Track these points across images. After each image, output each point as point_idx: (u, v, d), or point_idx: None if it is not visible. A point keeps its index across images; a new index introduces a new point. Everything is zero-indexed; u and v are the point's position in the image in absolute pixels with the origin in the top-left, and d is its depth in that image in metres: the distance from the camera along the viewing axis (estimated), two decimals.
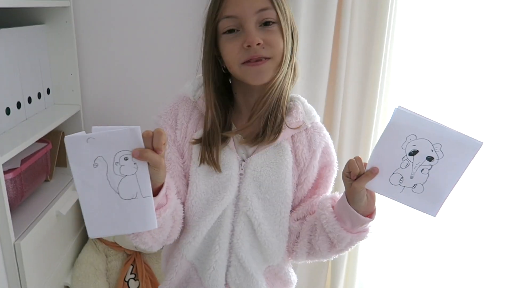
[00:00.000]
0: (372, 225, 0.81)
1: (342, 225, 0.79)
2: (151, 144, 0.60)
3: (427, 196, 0.74)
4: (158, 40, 1.61)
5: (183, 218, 0.85)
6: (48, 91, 1.56)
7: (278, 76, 0.76)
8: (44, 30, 1.51)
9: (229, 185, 0.81)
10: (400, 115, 0.70)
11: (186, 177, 0.83)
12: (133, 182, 0.60)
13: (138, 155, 0.59)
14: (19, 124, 1.35)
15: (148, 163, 0.60)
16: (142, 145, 0.59)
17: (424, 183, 0.73)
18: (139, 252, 1.61)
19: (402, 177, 0.73)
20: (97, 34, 1.61)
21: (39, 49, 1.48)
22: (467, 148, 0.70)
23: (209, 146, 0.78)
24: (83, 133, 0.59)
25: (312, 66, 1.51)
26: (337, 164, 0.89)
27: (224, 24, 0.75)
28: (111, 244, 1.60)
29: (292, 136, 0.84)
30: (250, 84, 0.77)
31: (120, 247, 1.59)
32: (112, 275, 1.61)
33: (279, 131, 0.80)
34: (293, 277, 0.95)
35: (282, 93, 0.78)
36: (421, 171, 0.72)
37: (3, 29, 1.25)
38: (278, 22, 0.74)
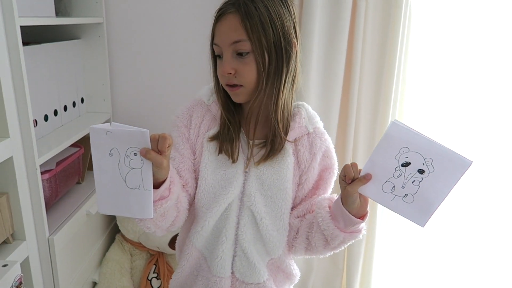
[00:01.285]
0: (365, 227, 0.87)
1: (336, 224, 0.84)
2: (156, 146, 0.69)
3: (417, 206, 0.77)
4: (182, 54, 1.72)
5: (193, 209, 0.93)
6: (82, 100, 1.69)
7: (256, 98, 0.84)
8: (80, 45, 1.65)
9: (235, 181, 0.88)
10: (395, 128, 0.73)
11: (196, 172, 0.92)
12: (138, 175, 0.71)
13: (144, 154, 0.68)
14: (55, 130, 1.48)
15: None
16: (149, 145, 0.69)
17: (414, 194, 0.76)
18: (162, 253, 1.70)
19: (394, 186, 0.77)
20: (127, 48, 1.74)
21: (74, 62, 1.61)
22: (457, 165, 0.72)
23: (226, 141, 0.88)
24: (106, 125, 0.69)
25: (326, 72, 1.57)
26: (338, 167, 0.94)
27: (214, 49, 0.84)
28: (136, 244, 1.70)
29: (295, 139, 0.90)
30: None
31: (144, 247, 1.69)
32: (136, 273, 1.71)
33: (280, 148, 0.88)
34: (295, 270, 1.00)
35: (276, 105, 0.85)
36: (412, 182, 0.75)
37: (43, 44, 1.39)
38: (252, 51, 0.80)
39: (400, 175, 0.76)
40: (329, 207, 0.87)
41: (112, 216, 1.75)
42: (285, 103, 0.86)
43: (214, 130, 0.90)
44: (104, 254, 1.69)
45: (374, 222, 1.70)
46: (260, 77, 0.82)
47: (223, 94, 0.88)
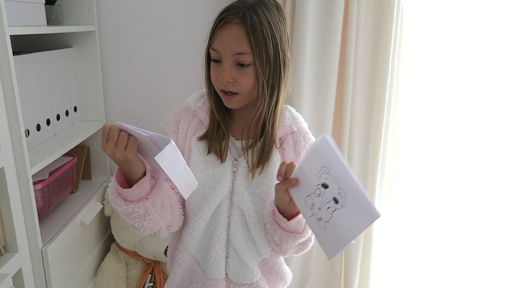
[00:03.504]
0: (312, 237, 0.89)
1: (273, 217, 0.86)
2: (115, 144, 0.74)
3: (327, 236, 0.72)
4: (176, 62, 1.71)
5: (184, 212, 0.94)
6: (75, 109, 1.68)
7: (252, 107, 0.87)
8: (72, 53, 1.64)
9: (223, 181, 0.90)
10: (323, 143, 0.70)
11: None
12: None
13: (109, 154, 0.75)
14: (48, 139, 1.46)
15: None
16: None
17: (327, 221, 0.72)
18: (158, 261, 1.69)
19: (314, 204, 0.73)
20: (120, 56, 1.73)
21: (67, 70, 1.60)
22: (364, 213, 0.67)
23: (215, 140, 0.91)
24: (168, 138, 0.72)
25: (319, 76, 1.57)
26: None
27: (212, 53, 0.85)
28: (131, 253, 1.68)
29: (280, 138, 0.93)
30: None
31: (140, 256, 1.67)
32: (132, 282, 1.69)
33: (268, 157, 0.90)
34: (288, 273, 1.02)
35: (274, 114, 0.89)
36: (327, 208, 0.71)
37: (35, 53, 1.38)
38: (254, 64, 0.82)
39: (319, 194, 0.72)
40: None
41: (107, 226, 1.73)
42: (281, 110, 0.91)
43: (201, 133, 0.93)
44: (99, 264, 1.67)
45: (371, 226, 1.69)
46: (258, 87, 0.85)
47: (215, 96, 0.90)
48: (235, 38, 0.81)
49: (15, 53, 1.13)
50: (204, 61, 0.90)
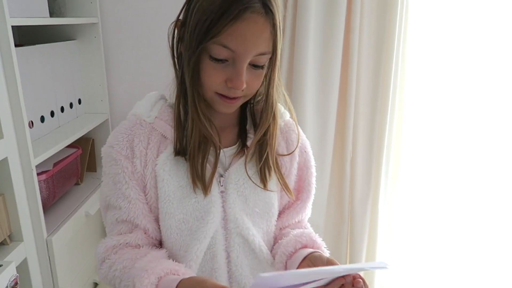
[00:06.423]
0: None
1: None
2: None
3: None
4: None
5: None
6: (80, 101, 1.69)
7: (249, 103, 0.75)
8: (75, 46, 1.64)
9: (212, 207, 0.71)
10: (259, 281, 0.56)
11: (153, 211, 0.73)
12: None
13: None
14: (52, 131, 1.48)
15: None
16: None
17: None
18: None
19: None
20: (124, 48, 1.73)
21: (70, 63, 1.61)
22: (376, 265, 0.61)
23: (199, 161, 0.70)
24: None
25: (322, 75, 1.56)
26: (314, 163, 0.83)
27: (216, 50, 0.63)
28: None
29: None
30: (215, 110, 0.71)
31: None
32: None
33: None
34: None
35: (274, 114, 0.74)
36: None
37: (38, 45, 1.39)
38: (265, 65, 0.67)
39: None
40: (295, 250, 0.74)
41: None
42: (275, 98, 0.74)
43: (168, 151, 0.71)
44: None
45: (376, 222, 1.69)
46: (264, 86, 0.71)
47: (200, 102, 0.69)
48: (262, 34, 0.63)
49: (19, 45, 1.14)
50: (192, 58, 0.66)
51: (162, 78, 1.85)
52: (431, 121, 1.65)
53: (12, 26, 1.10)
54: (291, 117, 0.80)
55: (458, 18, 1.53)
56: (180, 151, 0.71)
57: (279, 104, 0.76)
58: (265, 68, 0.68)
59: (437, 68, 1.60)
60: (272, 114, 0.72)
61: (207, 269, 0.73)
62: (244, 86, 0.65)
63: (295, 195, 0.80)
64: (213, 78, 0.66)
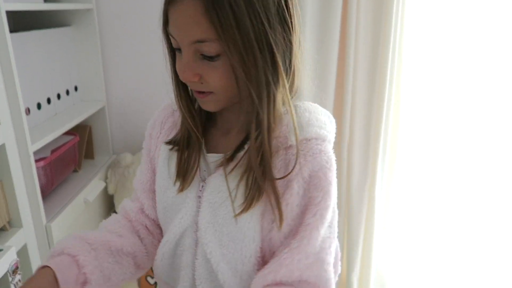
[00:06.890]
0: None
1: None
2: None
3: None
4: None
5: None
6: (76, 88, 1.68)
7: (238, 107, 0.64)
8: (70, 32, 1.63)
9: (183, 208, 0.68)
10: None
11: (153, 191, 0.77)
12: None
13: None
14: (49, 118, 1.47)
15: None
16: None
17: None
18: None
19: None
20: (120, 34, 1.72)
21: (66, 49, 1.60)
22: None
23: (184, 157, 0.68)
24: None
25: (317, 74, 1.54)
26: (335, 206, 0.67)
27: (170, 38, 0.62)
28: None
29: None
30: None
31: None
32: None
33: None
34: None
35: (268, 116, 0.61)
36: None
37: (33, 31, 1.38)
38: (224, 53, 0.57)
39: None
40: None
41: (110, 204, 1.75)
42: (279, 113, 0.62)
43: (170, 137, 0.73)
44: None
45: (372, 213, 1.70)
46: (239, 83, 0.60)
47: (185, 96, 0.67)
48: (190, 18, 0.56)
49: (14, 31, 1.13)
50: (166, 49, 0.66)
51: (159, 65, 1.85)
52: (428, 113, 1.65)
53: (7, 12, 1.09)
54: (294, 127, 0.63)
55: (455, 15, 1.51)
56: (174, 142, 0.72)
57: (309, 118, 0.64)
58: (228, 59, 0.58)
59: (434, 62, 1.58)
60: (266, 123, 0.60)
61: (177, 261, 0.72)
62: (194, 77, 0.60)
63: (293, 240, 0.63)
64: (177, 69, 0.63)
